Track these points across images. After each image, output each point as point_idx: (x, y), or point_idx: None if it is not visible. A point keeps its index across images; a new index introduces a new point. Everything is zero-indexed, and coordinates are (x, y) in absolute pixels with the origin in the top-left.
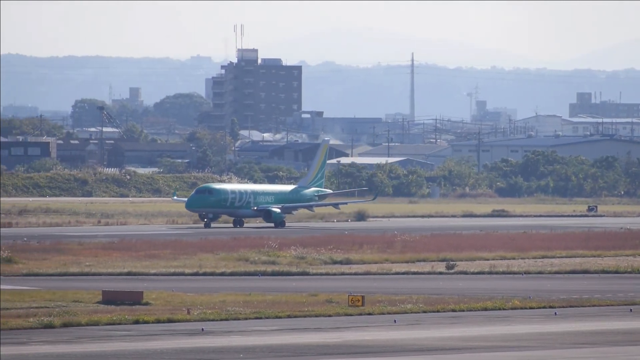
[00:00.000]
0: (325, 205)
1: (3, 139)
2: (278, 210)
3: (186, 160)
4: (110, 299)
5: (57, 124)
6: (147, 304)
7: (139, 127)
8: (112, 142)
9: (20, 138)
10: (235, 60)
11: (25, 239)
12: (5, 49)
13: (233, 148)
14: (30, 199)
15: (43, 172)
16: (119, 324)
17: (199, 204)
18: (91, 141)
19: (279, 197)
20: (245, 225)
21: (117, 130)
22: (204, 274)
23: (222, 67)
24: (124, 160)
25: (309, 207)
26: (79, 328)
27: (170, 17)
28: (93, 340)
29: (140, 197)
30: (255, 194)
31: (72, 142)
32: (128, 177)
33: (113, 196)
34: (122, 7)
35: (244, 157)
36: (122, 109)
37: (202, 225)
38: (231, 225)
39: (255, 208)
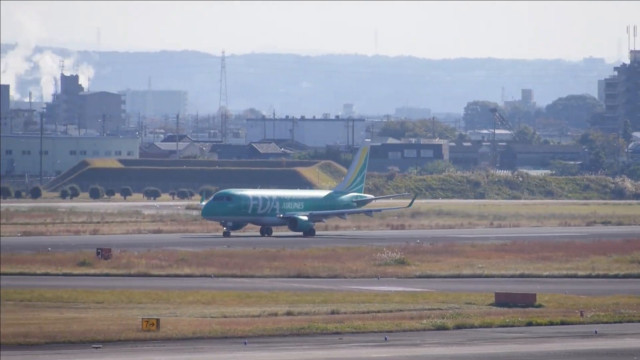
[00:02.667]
0: (358, 212)
1: (396, 141)
2: (305, 218)
3: (578, 162)
4: (503, 300)
5: (449, 126)
6: (539, 306)
7: (531, 129)
8: (504, 144)
9: (413, 140)
10: (627, 62)
11: (418, 241)
12: (398, 51)
13: (626, 150)
14: (423, 200)
15: (435, 174)
16: (512, 326)
17: (217, 212)
18: (483, 143)
19: (310, 204)
20: (273, 233)
21: (509, 132)
22: (597, 276)
23: (615, 68)
24: (516, 162)
25: (341, 215)
26: (472, 330)
27: (570, 18)
28: (486, 342)
29: (533, 199)
30: (281, 200)
31: (464, 144)
32: (520, 179)
33: (505, 198)
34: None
35: (637, 159)
36: (514, 110)
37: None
38: (258, 234)
39: (281, 215)
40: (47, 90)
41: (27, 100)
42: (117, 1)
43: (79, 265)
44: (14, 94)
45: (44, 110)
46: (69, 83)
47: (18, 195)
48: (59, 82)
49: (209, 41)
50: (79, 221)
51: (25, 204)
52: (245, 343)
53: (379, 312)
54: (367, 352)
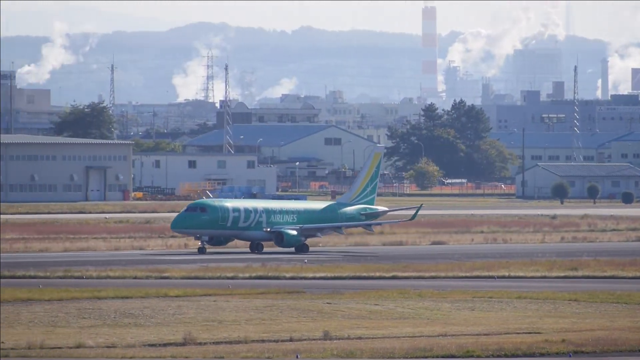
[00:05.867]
0: (355, 225)
1: None
2: (293, 233)
3: None
4: None
5: None
6: None
7: None
8: None
9: None
10: None
11: None
12: None
13: None
14: None
15: None
16: None
17: (188, 224)
18: None
19: (304, 217)
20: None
21: None
22: None
23: None
24: None
25: (337, 229)
26: None
27: None
28: None
29: None
30: (268, 212)
31: None
32: None
33: None
34: None
35: None
36: None
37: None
38: (247, 250)
39: (268, 229)
40: None
41: None
42: None
43: None
44: None
45: None
46: None
47: None
48: None
49: None
50: None
51: None
52: None
53: None
54: None
